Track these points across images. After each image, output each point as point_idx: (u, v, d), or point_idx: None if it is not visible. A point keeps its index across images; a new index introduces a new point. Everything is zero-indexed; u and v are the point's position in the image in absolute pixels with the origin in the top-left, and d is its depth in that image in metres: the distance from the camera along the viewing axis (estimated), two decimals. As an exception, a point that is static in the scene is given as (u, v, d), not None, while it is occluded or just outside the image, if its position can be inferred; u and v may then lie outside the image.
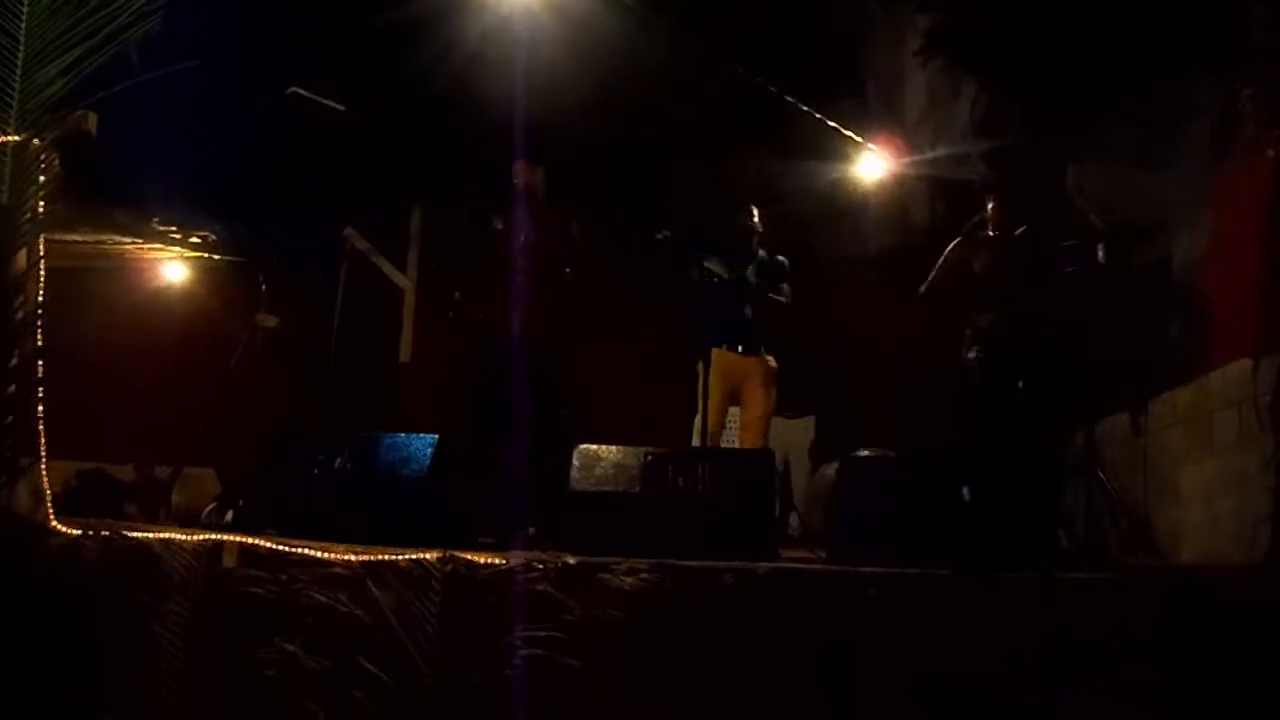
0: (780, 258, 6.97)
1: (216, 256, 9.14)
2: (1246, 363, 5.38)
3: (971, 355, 6.54)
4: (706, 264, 6.68)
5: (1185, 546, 6.11)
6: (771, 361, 6.83)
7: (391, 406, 8.68)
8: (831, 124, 7.56)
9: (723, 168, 7.32)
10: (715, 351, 6.59)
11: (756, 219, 6.95)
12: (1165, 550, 6.33)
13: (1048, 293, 6.33)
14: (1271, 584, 4.42)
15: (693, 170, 8.22)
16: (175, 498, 7.97)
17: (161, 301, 9.53)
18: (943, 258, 6.69)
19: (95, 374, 7.92)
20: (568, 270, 6.62)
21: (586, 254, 6.77)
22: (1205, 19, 6.06)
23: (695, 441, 6.39)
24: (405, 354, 9.60)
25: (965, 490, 4.44)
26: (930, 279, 6.69)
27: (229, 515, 6.16)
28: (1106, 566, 5.27)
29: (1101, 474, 6.62)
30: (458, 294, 6.71)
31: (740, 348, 6.76)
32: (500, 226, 6.57)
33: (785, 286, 6.88)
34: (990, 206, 6.61)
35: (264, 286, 7.51)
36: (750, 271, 6.85)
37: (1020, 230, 6.45)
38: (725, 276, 6.71)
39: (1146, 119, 6.73)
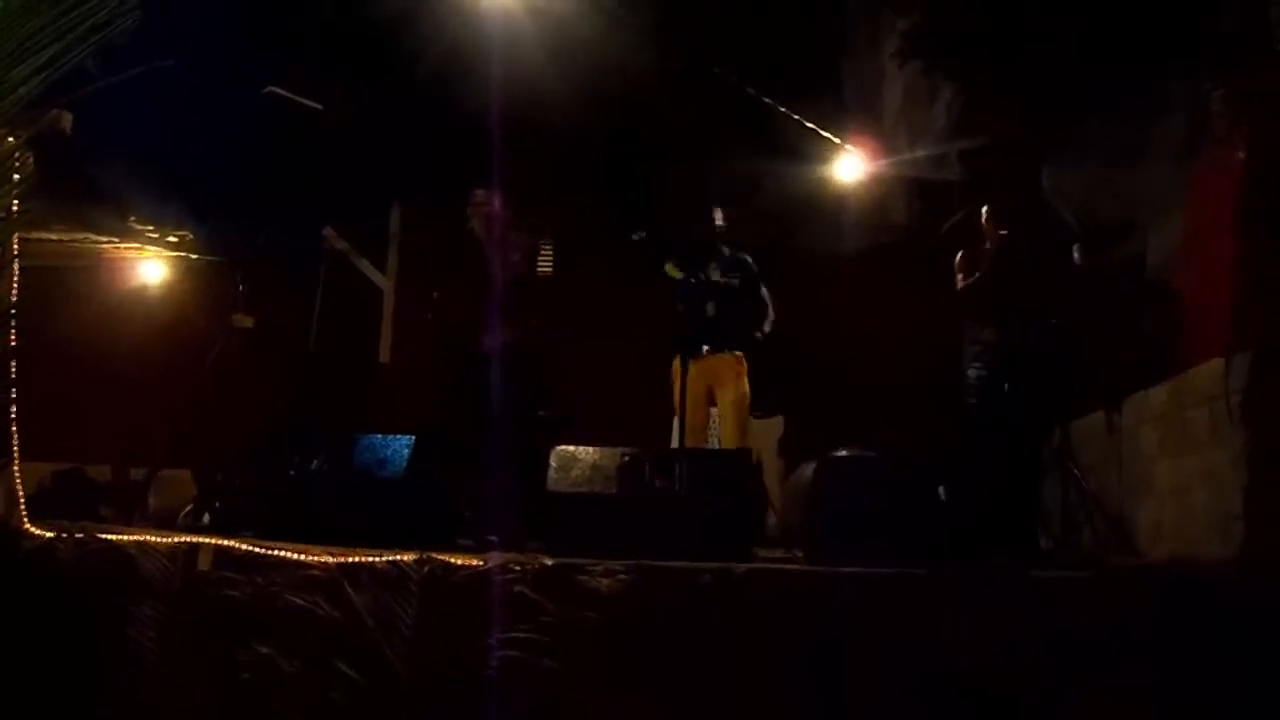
0: (745, 256, 7.02)
1: (194, 256, 9.09)
2: (1219, 360, 5.40)
3: (973, 371, 6.49)
4: (666, 266, 6.75)
5: (1160, 543, 6.14)
6: (739, 356, 6.90)
7: (371, 406, 8.66)
8: (809, 125, 7.57)
9: (701, 168, 7.32)
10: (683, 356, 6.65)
11: (720, 220, 7.00)
12: (1141, 547, 6.36)
13: (1044, 297, 6.33)
14: (1247, 578, 4.44)
15: (670, 171, 8.22)
16: (152, 500, 7.90)
17: (138, 301, 9.45)
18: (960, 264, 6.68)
19: (71, 374, 7.87)
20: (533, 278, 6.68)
21: (564, 256, 6.78)
22: (1179, 20, 6.10)
23: (675, 442, 6.42)
24: (385, 354, 9.58)
25: (941, 490, 4.44)
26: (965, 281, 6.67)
27: (206, 517, 6.13)
28: (1084, 564, 5.29)
29: (1077, 471, 6.66)
30: (436, 294, 6.72)
31: (705, 347, 6.82)
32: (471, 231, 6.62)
33: (764, 289, 6.96)
34: (984, 218, 6.57)
35: (241, 286, 7.47)
36: (712, 269, 6.89)
37: (1003, 233, 6.45)
38: (680, 277, 6.77)
39: (1121, 119, 6.76)
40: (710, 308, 6.84)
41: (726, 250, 7.01)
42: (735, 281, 6.90)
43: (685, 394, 6.10)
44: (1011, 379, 6.25)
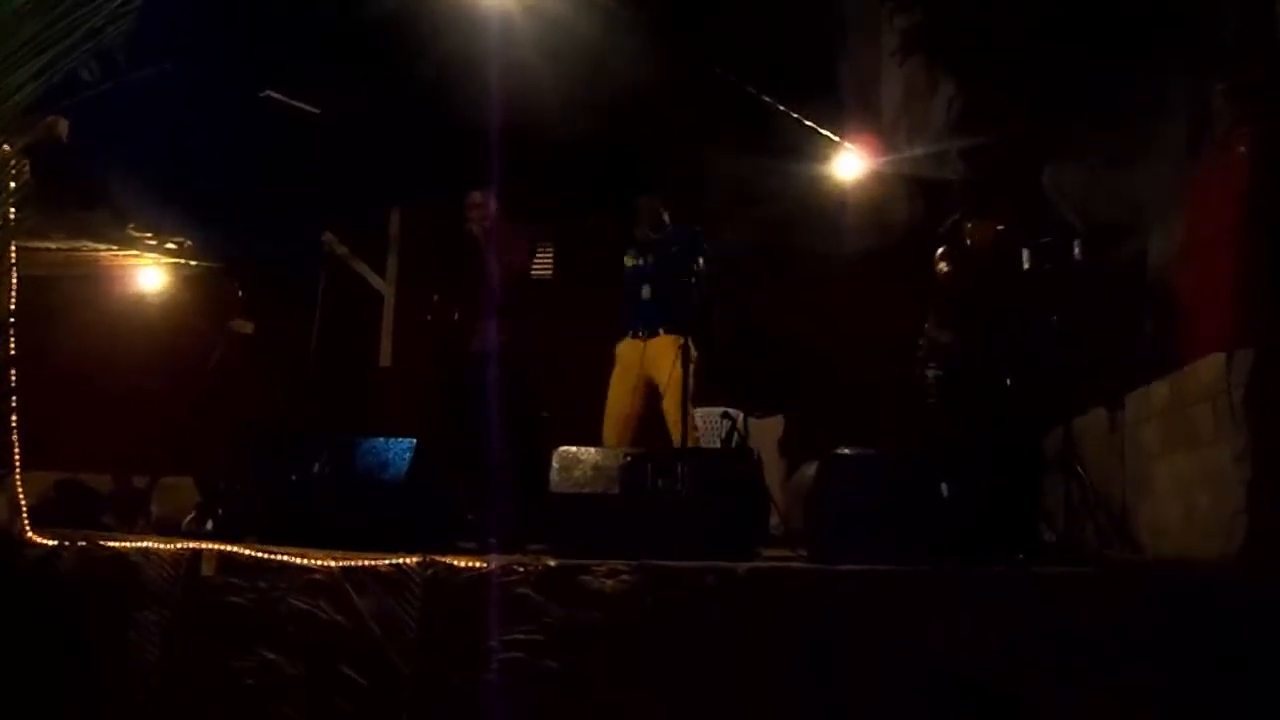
0: (693, 228, 6.87)
1: (193, 262, 9.09)
2: (1220, 357, 5.39)
3: (929, 373, 6.51)
4: (625, 258, 6.82)
5: (1163, 540, 6.13)
6: (678, 339, 6.39)
7: (372, 410, 8.66)
8: (808, 124, 7.57)
9: (701, 168, 7.32)
10: (619, 345, 6.75)
11: (664, 211, 6.93)
12: (1143, 544, 6.35)
13: (1016, 302, 6.33)
14: (1248, 577, 4.44)
15: (670, 171, 8.21)
16: (154, 507, 7.91)
17: (138, 308, 9.46)
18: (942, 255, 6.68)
19: (72, 383, 7.87)
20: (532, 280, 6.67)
21: (564, 257, 6.78)
22: (1181, 17, 6.09)
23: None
24: (385, 358, 9.58)
25: (944, 488, 4.44)
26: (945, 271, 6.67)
27: (209, 524, 6.13)
28: (1087, 561, 5.28)
29: (1080, 469, 6.65)
30: (436, 297, 6.72)
31: (641, 333, 6.76)
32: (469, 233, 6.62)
33: (692, 260, 6.70)
34: (971, 225, 6.57)
35: (240, 292, 7.48)
36: (649, 254, 6.86)
37: (998, 231, 6.45)
38: (628, 265, 6.83)
39: (1123, 117, 6.75)
40: (645, 289, 6.79)
41: (671, 229, 6.93)
42: (674, 262, 6.71)
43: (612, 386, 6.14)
44: (970, 381, 6.26)
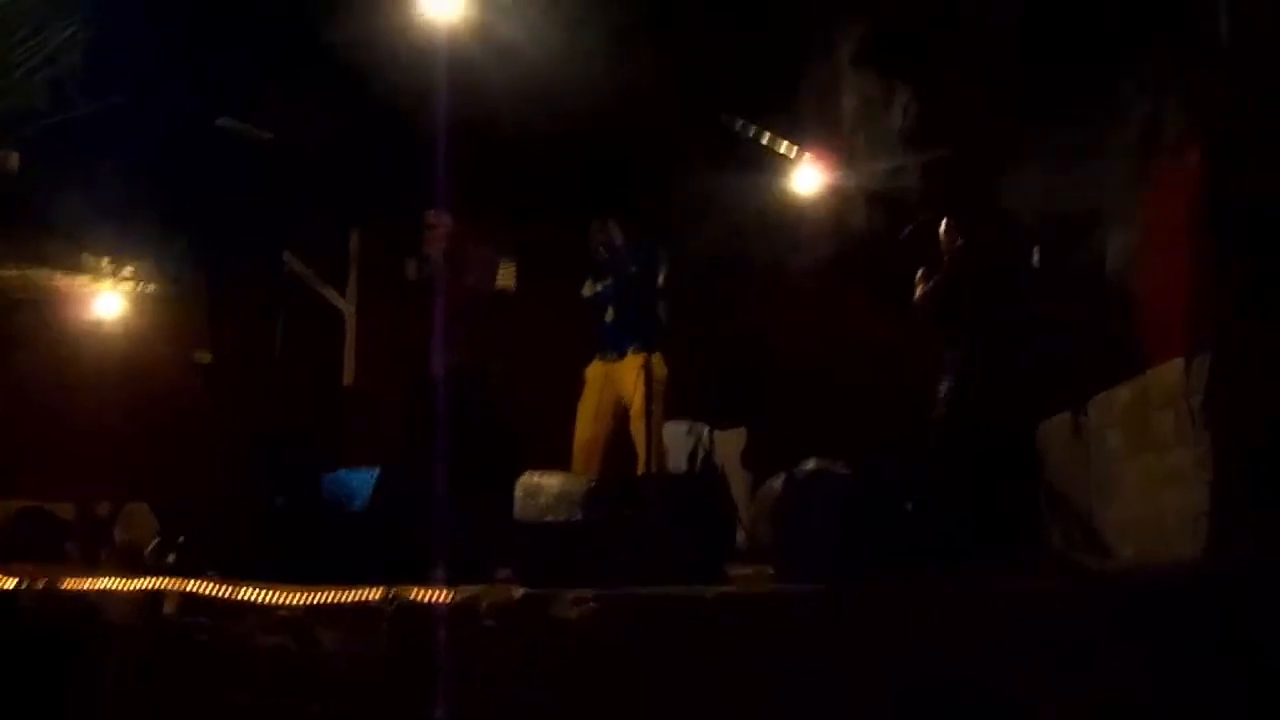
0: (651, 242, 6.87)
1: (151, 287, 9.00)
2: (1180, 361, 5.43)
3: (944, 388, 6.48)
4: (584, 286, 6.85)
5: (1128, 543, 6.17)
6: (645, 357, 6.48)
7: (336, 432, 8.59)
8: (767, 136, 7.58)
9: (662, 180, 7.30)
10: (588, 368, 6.76)
11: (616, 233, 6.91)
12: (1109, 548, 6.39)
13: (1004, 303, 6.34)
14: (1213, 578, 4.46)
15: (632, 183, 8.20)
16: (118, 535, 7.83)
17: (96, 334, 9.35)
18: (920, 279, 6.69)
19: (31, 411, 7.79)
20: (494, 297, 6.64)
21: (527, 273, 6.75)
22: (1134, 21, 6.12)
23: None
24: (349, 377, 9.53)
25: (909, 502, 4.44)
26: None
27: (170, 556, 6.06)
28: (1054, 568, 5.31)
29: (1046, 473, 6.69)
30: (395, 318, 6.70)
31: (610, 354, 6.78)
32: (421, 265, 6.57)
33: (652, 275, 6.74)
34: (942, 232, 6.57)
35: (200, 317, 7.42)
36: (608, 278, 6.86)
37: (960, 243, 6.46)
38: (589, 290, 6.84)
39: (1079, 120, 6.78)
40: (609, 311, 6.79)
41: (625, 248, 6.91)
42: (633, 281, 6.74)
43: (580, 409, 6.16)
44: (975, 388, 6.25)
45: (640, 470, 6.37)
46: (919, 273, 6.60)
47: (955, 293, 6.33)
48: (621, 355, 6.75)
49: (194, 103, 7.25)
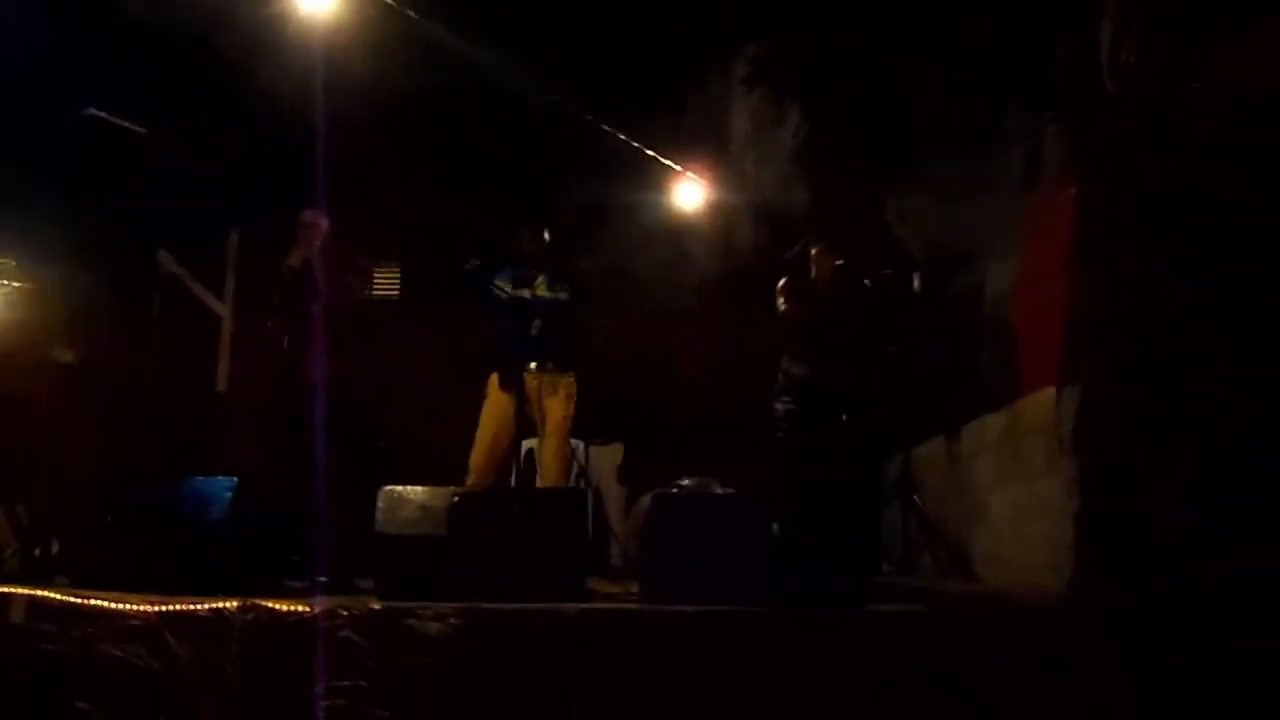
0: (573, 271, 6.93)
1: (15, 284, 8.65)
2: (1051, 390, 5.50)
3: (780, 406, 6.52)
4: (496, 281, 6.67)
5: (998, 570, 6.24)
6: (567, 375, 6.75)
7: (208, 439, 8.36)
8: (649, 152, 7.57)
9: (540, 194, 7.24)
10: (494, 375, 6.66)
11: (546, 237, 6.88)
12: (980, 574, 6.45)
13: (867, 332, 6.39)
14: (1076, 608, 4.50)
15: (508, 197, 8.14)
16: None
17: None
18: (783, 289, 6.71)
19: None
20: (373, 304, 6.52)
21: (411, 280, 6.63)
22: (1017, 56, 6.22)
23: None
24: (222, 383, 9.29)
25: (775, 525, 4.40)
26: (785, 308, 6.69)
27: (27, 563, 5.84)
28: (918, 595, 5.32)
29: (917, 499, 6.74)
30: (270, 323, 6.51)
31: (533, 365, 6.69)
32: (292, 265, 6.40)
33: (572, 304, 6.82)
34: (814, 254, 6.60)
35: (64, 316, 7.13)
36: (539, 285, 6.77)
37: (839, 263, 6.49)
38: (509, 293, 6.69)
39: (964, 150, 6.88)
40: (536, 325, 6.69)
41: (555, 263, 6.88)
42: (563, 296, 6.76)
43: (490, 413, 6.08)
44: (821, 414, 6.29)
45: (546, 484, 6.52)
46: (781, 283, 6.64)
47: (827, 313, 6.37)
48: (543, 369, 6.72)
49: (62, 93, 7.00)
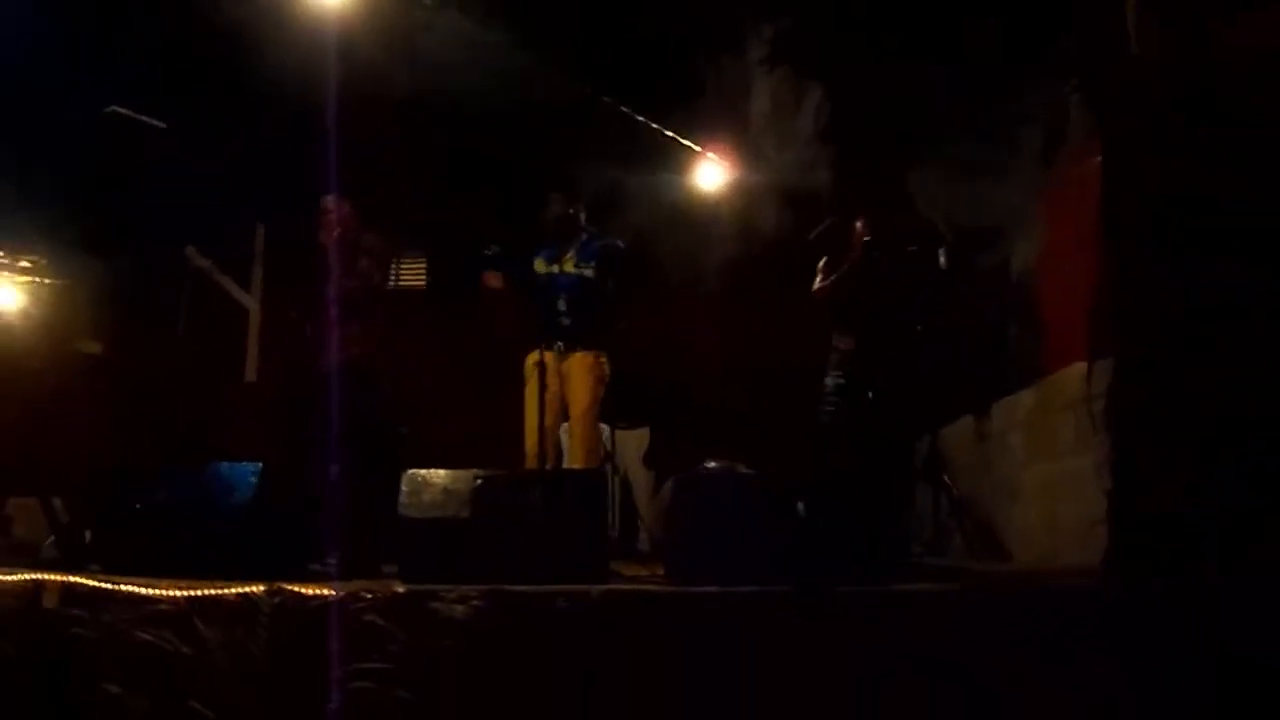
0: (609, 244, 6.73)
1: (47, 280, 8.74)
2: (1081, 365, 5.44)
3: (830, 380, 6.40)
4: (534, 261, 6.60)
5: (1028, 548, 6.18)
6: (595, 356, 6.54)
7: (237, 429, 8.42)
8: (670, 134, 7.54)
9: (560, 178, 7.20)
10: (533, 354, 6.49)
11: (561, 206, 6.72)
12: (1010, 552, 6.40)
13: (896, 309, 6.32)
14: (1107, 587, 4.45)
15: (529, 182, 8.13)
16: (15, 529, 7.61)
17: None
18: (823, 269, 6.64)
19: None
20: (387, 288, 6.50)
21: (437, 268, 6.61)
22: (1038, 24, 6.15)
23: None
24: (251, 374, 9.36)
25: (800, 506, 4.37)
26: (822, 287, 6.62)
27: (62, 551, 5.91)
28: (948, 575, 5.28)
29: (947, 477, 6.69)
30: (293, 312, 6.54)
31: (560, 345, 6.51)
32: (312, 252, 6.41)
33: (598, 281, 6.63)
34: (858, 226, 6.52)
35: (95, 309, 7.22)
36: (567, 261, 6.62)
37: (866, 240, 6.43)
38: (542, 271, 6.59)
39: (987, 125, 6.80)
40: (561, 302, 6.54)
41: (586, 238, 6.72)
42: (589, 273, 6.58)
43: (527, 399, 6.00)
44: (871, 387, 6.21)
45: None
46: (821, 262, 6.55)
47: (858, 289, 6.29)
48: (571, 350, 6.53)
49: (87, 90, 7.06)
